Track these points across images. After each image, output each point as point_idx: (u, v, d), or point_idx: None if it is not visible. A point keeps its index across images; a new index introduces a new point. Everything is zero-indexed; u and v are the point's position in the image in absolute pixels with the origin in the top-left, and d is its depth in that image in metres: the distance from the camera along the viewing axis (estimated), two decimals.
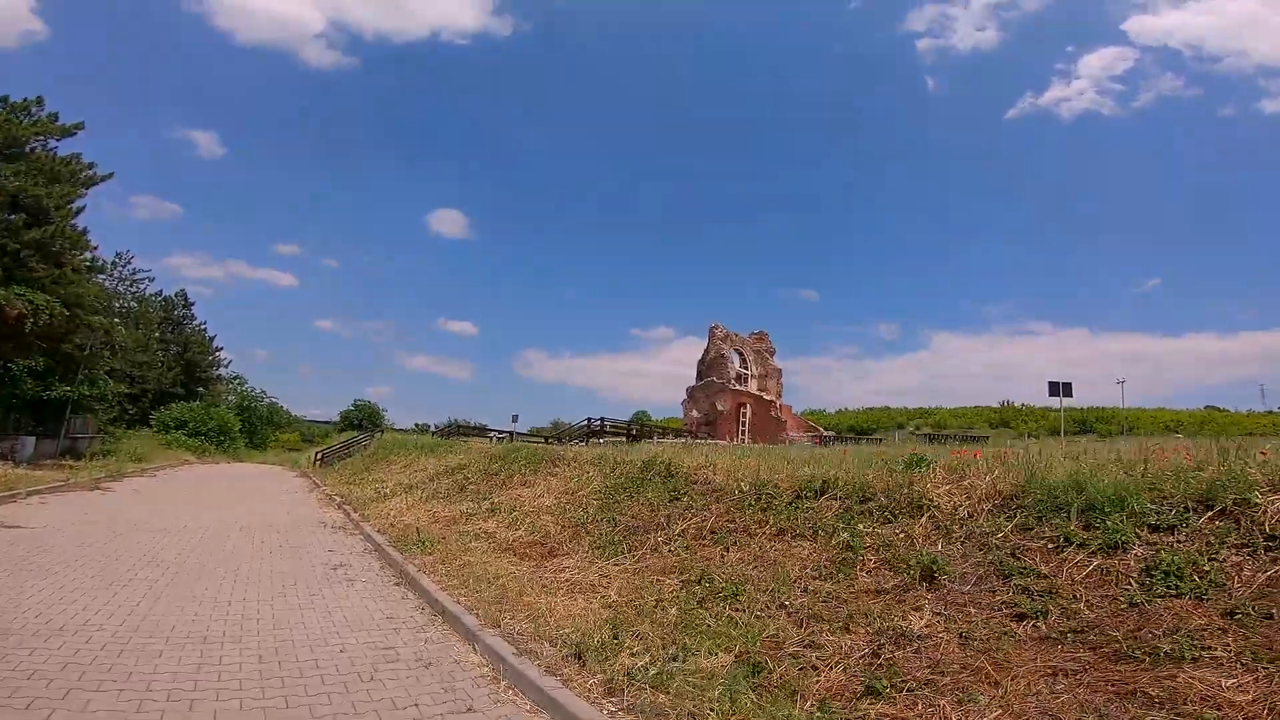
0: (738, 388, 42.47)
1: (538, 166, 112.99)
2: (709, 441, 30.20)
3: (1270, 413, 54.26)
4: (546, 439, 34.12)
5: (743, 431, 41.16)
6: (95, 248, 23.74)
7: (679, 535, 7.13)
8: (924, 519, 5.78)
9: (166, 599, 6.14)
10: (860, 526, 5.96)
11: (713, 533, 6.95)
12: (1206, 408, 57.41)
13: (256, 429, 48.27)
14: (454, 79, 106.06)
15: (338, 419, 63.45)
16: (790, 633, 4.74)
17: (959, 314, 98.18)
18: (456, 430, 33.43)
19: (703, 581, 5.85)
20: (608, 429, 36.65)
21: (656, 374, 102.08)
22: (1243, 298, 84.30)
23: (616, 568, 6.71)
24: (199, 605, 6.00)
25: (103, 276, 36.22)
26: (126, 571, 7.13)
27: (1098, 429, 47.81)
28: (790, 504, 6.94)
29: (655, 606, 5.63)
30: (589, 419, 36.96)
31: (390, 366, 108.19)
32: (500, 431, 34.49)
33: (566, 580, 6.55)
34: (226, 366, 52.32)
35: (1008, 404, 56.11)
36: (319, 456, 30.85)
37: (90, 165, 22.83)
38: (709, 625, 5.05)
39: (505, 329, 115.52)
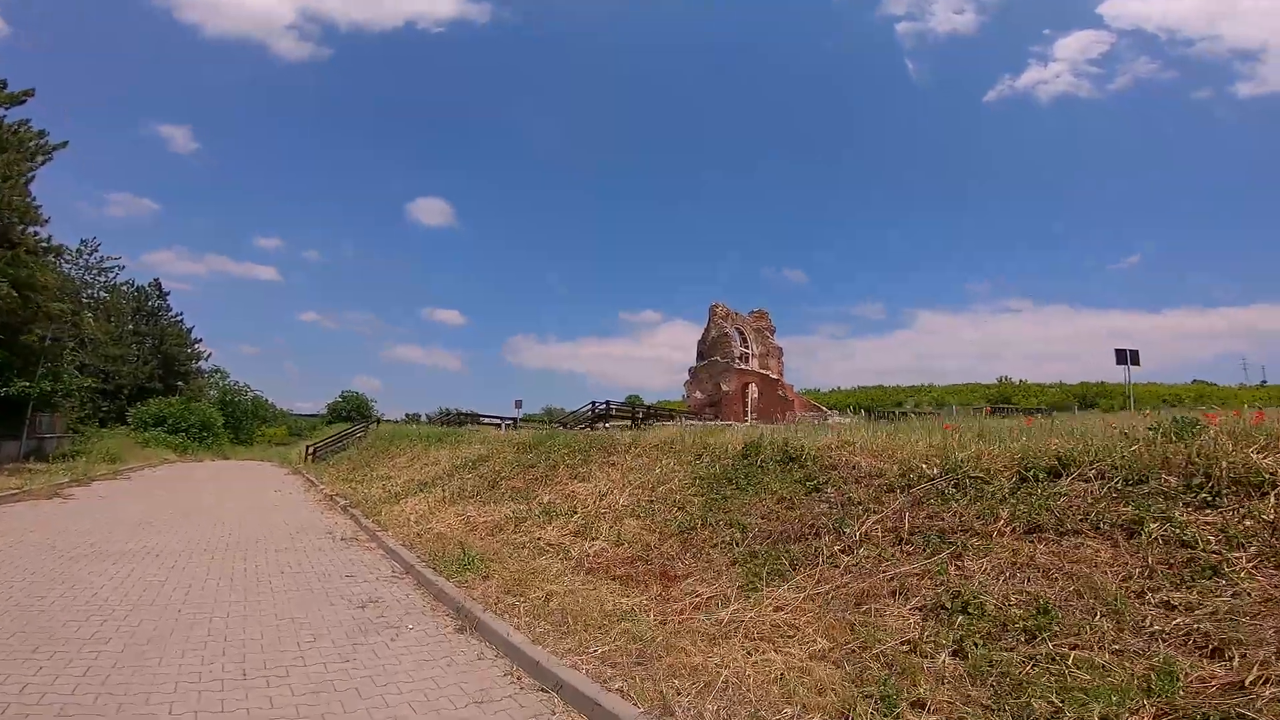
0: (743, 367, 40.47)
1: (520, 152, 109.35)
2: (721, 423, 28.13)
3: (1263, 385, 53.80)
4: (551, 424, 31.88)
5: (749, 411, 39.23)
6: (47, 220, 20.73)
7: (862, 541, 4.97)
8: (1272, 499, 3.79)
9: (118, 682, 3.83)
10: (1176, 515, 3.92)
11: (916, 535, 4.80)
12: (1195, 382, 56.65)
13: (241, 424, 45.11)
14: (432, 67, 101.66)
15: (325, 411, 60.51)
16: (1214, 670, 2.86)
17: (942, 293, 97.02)
18: (458, 418, 30.93)
19: (968, 610, 3.75)
20: (614, 413, 34.45)
21: (647, 358, 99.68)
22: (1221, 274, 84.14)
23: (795, 594, 4.51)
24: (173, 693, 3.70)
25: (68, 266, 33.19)
26: (61, 628, 4.77)
27: (1100, 404, 46.58)
28: (1016, 490, 4.85)
29: (911, 653, 3.55)
30: (593, 403, 34.67)
31: (377, 358, 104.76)
32: (500, 418, 32.14)
33: (728, 620, 4.35)
34: (207, 359, 49.01)
35: (1005, 380, 54.78)
36: (311, 451, 28.21)
37: (42, 133, 19.94)
38: (1044, 678, 3.10)
39: (492, 316, 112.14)
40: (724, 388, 39.99)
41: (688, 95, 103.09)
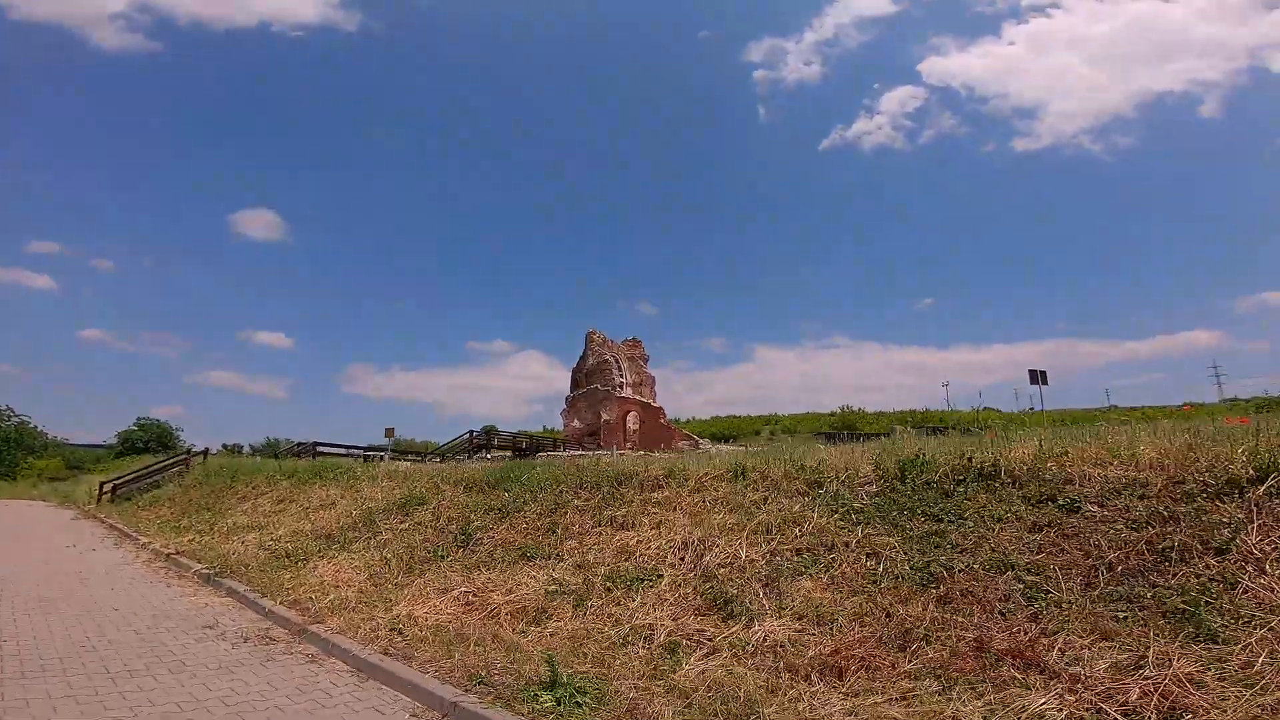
0: (623, 395, 38.35)
1: (367, 169, 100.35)
2: (612, 452, 25.73)
3: (1030, 410, 61.86)
4: (423, 456, 27.53)
5: (628, 441, 37.11)
6: None
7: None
8: None
9: None
10: None
11: None
12: (985, 409, 64.15)
13: (2, 455, 34.68)
14: (284, 73, 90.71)
15: (116, 442, 49.14)
16: None
17: (776, 328, 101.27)
18: (312, 450, 25.46)
19: None
20: (495, 444, 30.69)
21: (499, 388, 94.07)
22: (995, 313, 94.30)
23: None
24: None
25: None
26: None
27: (928, 427, 50.47)
28: None
29: None
30: (470, 432, 30.69)
31: (183, 383, 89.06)
32: (347, 448, 27.20)
33: None
34: None
35: (847, 408, 58.22)
36: (109, 488, 21.40)
37: None
38: None
39: (327, 341, 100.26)
40: (604, 416, 37.55)
41: (546, 122, 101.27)
